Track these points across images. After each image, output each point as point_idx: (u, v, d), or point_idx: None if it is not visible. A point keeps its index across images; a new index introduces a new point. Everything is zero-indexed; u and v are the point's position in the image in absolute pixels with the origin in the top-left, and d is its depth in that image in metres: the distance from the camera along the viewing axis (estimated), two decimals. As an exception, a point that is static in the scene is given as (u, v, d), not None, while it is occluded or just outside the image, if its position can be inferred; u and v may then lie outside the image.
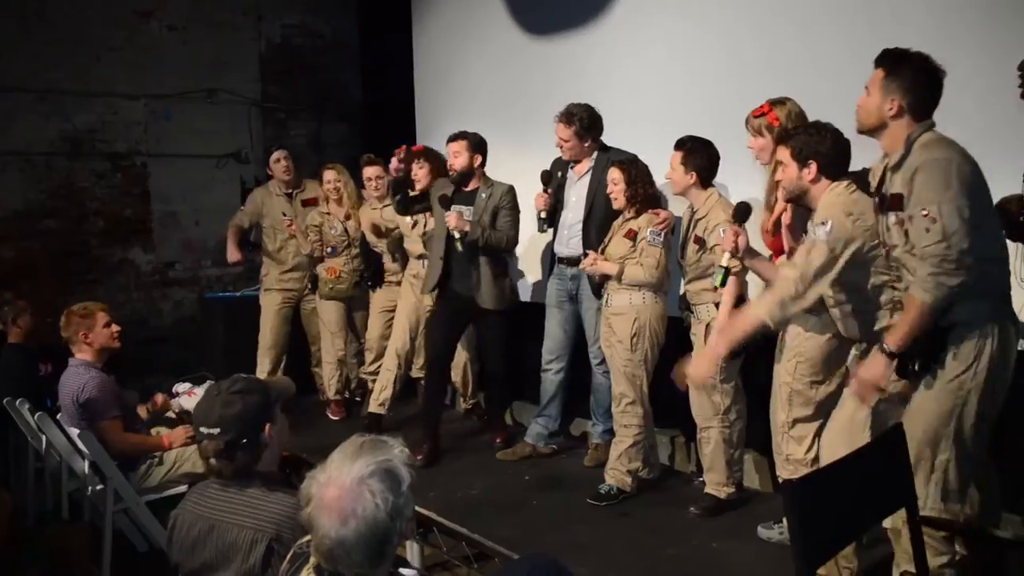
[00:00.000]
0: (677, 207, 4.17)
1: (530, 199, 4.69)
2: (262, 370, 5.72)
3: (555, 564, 2.42)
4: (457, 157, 4.63)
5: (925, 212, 2.47)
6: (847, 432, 2.82)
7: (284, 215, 5.82)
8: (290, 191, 5.86)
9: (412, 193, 4.95)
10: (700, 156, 3.78)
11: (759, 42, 4.17)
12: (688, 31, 4.53)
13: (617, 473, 4.11)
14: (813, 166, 2.98)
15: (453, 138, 4.70)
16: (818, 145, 2.98)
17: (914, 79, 2.59)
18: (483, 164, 4.70)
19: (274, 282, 5.87)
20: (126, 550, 3.94)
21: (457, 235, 4.51)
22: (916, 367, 2.61)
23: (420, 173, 5.05)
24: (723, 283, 3.25)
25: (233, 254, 5.76)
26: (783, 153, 3.06)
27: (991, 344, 2.53)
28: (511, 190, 4.70)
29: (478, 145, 4.67)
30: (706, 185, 3.81)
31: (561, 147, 4.45)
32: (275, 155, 5.88)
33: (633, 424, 4.07)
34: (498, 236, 4.61)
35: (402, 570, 1.96)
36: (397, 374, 5.19)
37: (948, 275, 2.45)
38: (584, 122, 4.36)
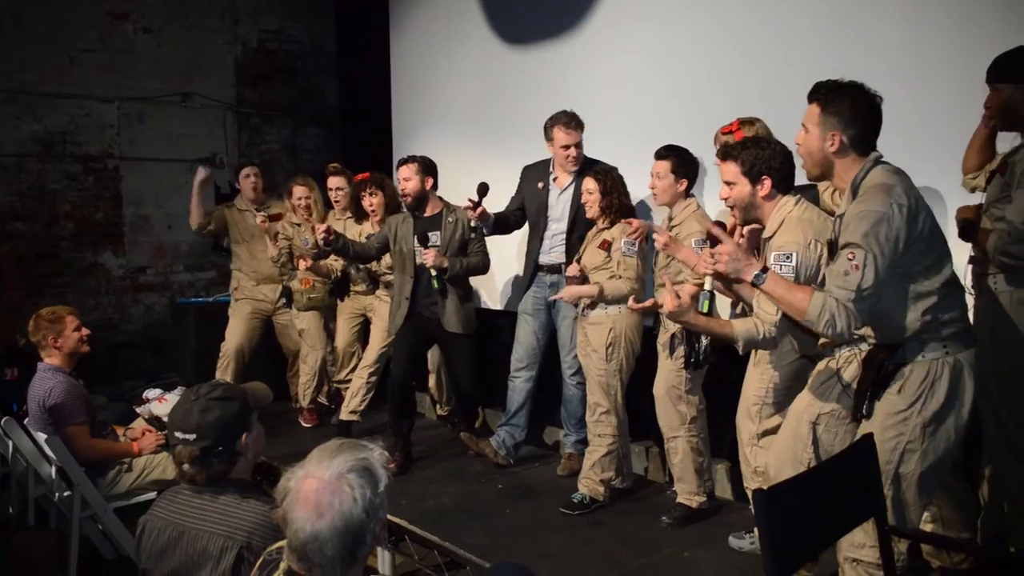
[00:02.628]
0: (656, 216, 4.19)
1: (503, 205, 4.70)
2: (221, 377, 5.65)
3: (526, 572, 2.42)
4: (408, 182, 4.60)
5: (851, 256, 2.35)
6: (791, 448, 2.81)
7: (257, 211, 5.69)
8: (257, 207, 5.75)
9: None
10: (690, 164, 3.80)
11: (736, 51, 4.21)
12: (666, 40, 4.56)
13: (590, 482, 4.11)
14: (767, 182, 2.86)
15: (403, 162, 4.67)
16: (770, 160, 2.85)
17: (853, 110, 2.48)
18: (435, 187, 4.68)
19: (246, 292, 5.81)
20: (93, 557, 3.88)
21: (434, 272, 4.46)
22: (865, 408, 2.56)
23: (374, 202, 5.05)
24: (709, 309, 3.14)
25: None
26: (730, 170, 2.90)
27: (943, 382, 2.46)
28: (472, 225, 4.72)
29: (428, 168, 4.64)
30: (688, 194, 3.84)
31: (570, 154, 4.40)
32: (245, 171, 5.81)
33: (607, 433, 4.08)
34: (473, 263, 4.64)
35: None
36: (369, 383, 5.18)
37: (843, 319, 2.34)
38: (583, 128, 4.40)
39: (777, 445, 2.92)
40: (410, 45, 6.35)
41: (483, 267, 4.73)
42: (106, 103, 6.70)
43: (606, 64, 4.87)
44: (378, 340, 5.21)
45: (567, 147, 4.38)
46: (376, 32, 6.64)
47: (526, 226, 4.73)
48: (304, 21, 7.66)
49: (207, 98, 7.16)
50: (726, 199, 2.96)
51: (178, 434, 2.22)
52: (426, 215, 4.66)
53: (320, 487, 1.68)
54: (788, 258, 2.75)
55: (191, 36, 7.05)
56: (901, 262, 2.38)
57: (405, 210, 4.72)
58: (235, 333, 5.72)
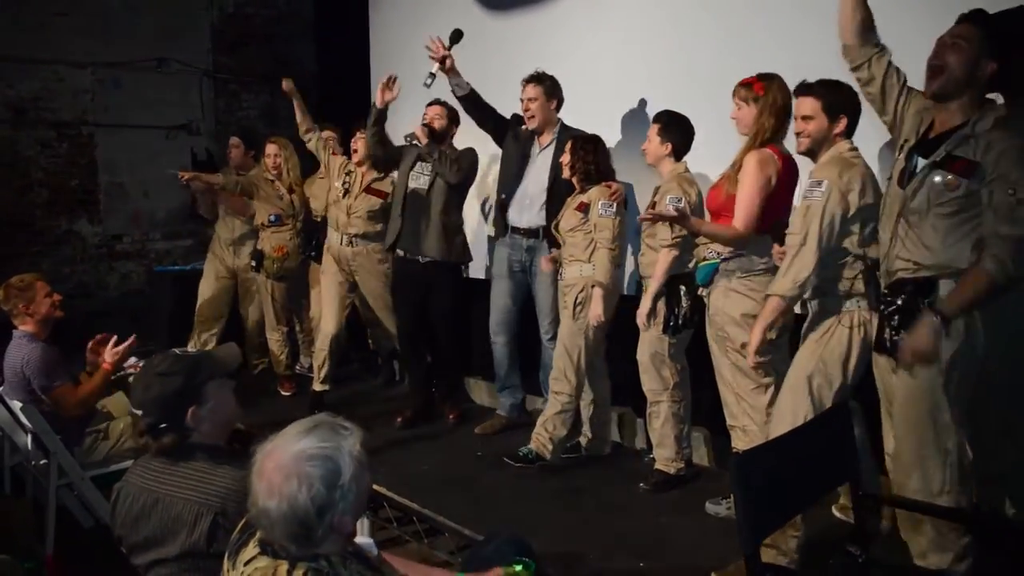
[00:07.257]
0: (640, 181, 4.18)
1: (485, 175, 4.68)
2: (199, 342, 5.71)
3: (522, 543, 2.46)
4: (438, 119, 4.71)
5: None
6: (790, 400, 2.89)
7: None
8: (241, 174, 5.78)
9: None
10: (676, 129, 3.81)
11: (717, 20, 4.18)
12: (646, 8, 4.51)
13: (539, 438, 4.14)
14: (843, 121, 2.94)
15: (435, 102, 4.77)
16: (849, 102, 2.94)
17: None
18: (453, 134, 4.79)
19: (218, 249, 5.88)
20: (70, 526, 3.87)
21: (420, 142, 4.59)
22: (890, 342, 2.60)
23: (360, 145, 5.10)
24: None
25: None
26: (811, 105, 2.97)
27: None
28: (471, 151, 4.74)
29: (456, 118, 4.78)
30: (679, 158, 3.83)
31: (528, 109, 4.43)
32: (232, 140, 5.90)
33: (563, 392, 4.09)
34: (453, 161, 4.61)
35: (358, 539, 1.96)
36: (332, 349, 5.14)
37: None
38: (550, 82, 4.41)
39: (780, 397, 2.99)
40: (389, 11, 6.27)
41: (456, 167, 4.61)
42: (80, 68, 6.59)
43: (587, 32, 4.81)
44: (334, 307, 5.19)
45: (522, 101, 4.46)
46: (355, -3, 6.54)
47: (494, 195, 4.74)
48: (281, -15, 7.55)
49: (183, 64, 7.06)
50: (799, 132, 3.02)
51: (132, 407, 2.28)
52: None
53: (275, 467, 1.65)
54: (819, 184, 2.84)
55: (166, 0, 6.93)
56: None
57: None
58: (207, 295, 5.86)
